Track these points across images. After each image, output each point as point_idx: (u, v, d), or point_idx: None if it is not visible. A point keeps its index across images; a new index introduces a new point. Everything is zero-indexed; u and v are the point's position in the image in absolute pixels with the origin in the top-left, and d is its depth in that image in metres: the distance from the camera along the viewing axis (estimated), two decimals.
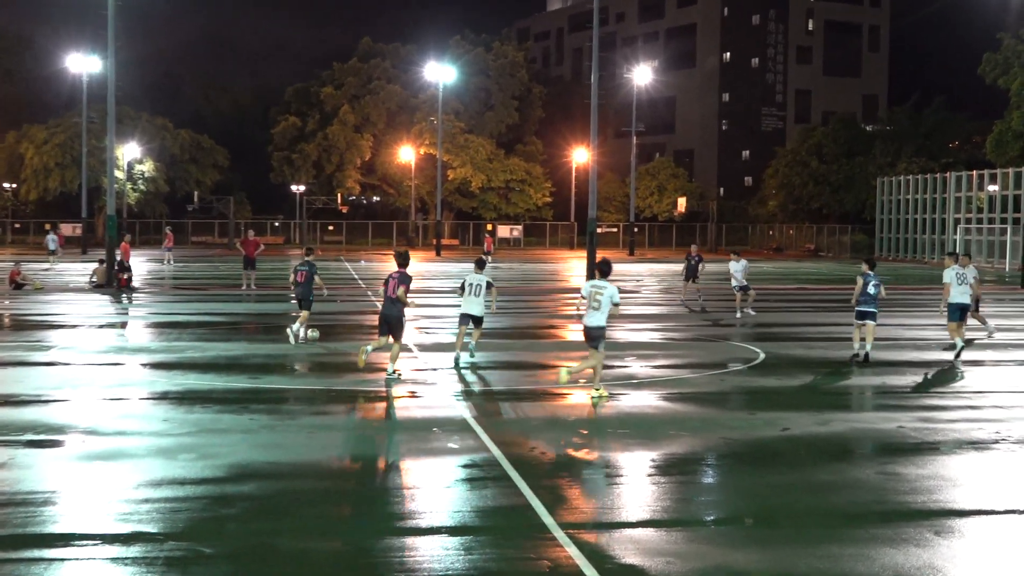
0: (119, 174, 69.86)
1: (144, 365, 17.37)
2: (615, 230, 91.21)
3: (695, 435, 12.02)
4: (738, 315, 25.98)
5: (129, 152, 78.21)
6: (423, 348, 19.24)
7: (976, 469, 10.66)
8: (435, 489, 9.66)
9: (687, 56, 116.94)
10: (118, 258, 35.12)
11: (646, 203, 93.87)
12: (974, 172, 66.68)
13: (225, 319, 25.60)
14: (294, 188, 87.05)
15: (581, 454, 11.12)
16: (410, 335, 19.96)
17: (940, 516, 8.95)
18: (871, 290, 18.06)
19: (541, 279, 45.20)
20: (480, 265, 18.28)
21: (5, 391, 14.45)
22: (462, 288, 17.91)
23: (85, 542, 8.04)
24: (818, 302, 32.57)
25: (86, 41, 60.60)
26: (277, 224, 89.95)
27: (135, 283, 35.18)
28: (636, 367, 17.39)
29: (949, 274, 18.95)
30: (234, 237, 74.54)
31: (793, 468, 10.68)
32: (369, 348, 16.08)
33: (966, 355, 18.75)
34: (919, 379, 16.64)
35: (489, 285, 17.70)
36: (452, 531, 8.40)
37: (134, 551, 7.84)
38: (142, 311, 27.83)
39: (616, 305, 14.13)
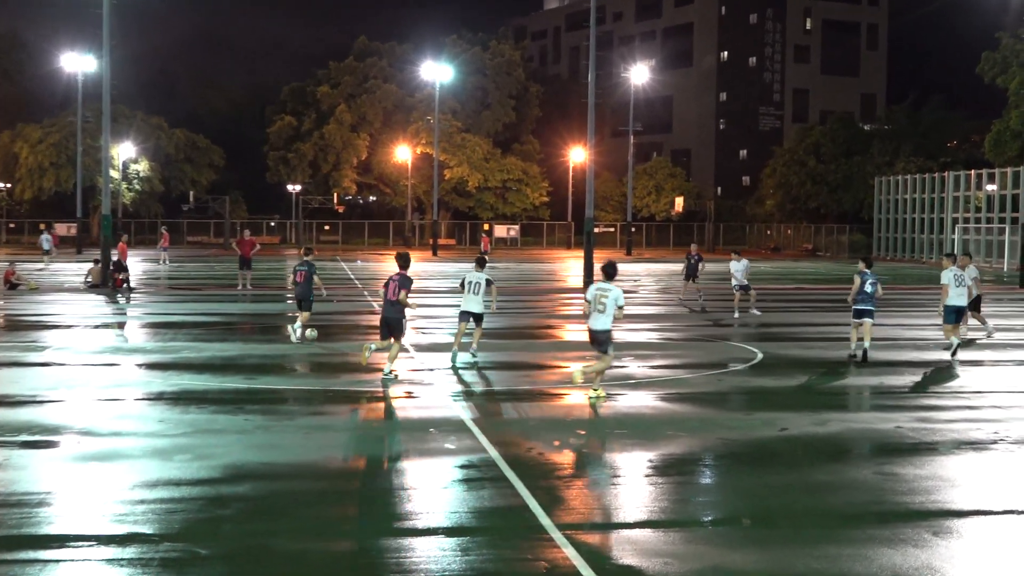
0: (114, 173, 69.76)
1: (140, 365, 17.33)
2: (612, 230, 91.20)
3: (693, 435, 12.00)
4: (736, 315, 25.94)
5: (124, 151, 78.06)
6: (420, 348, 19.21)
7: (974, 469, 10.64)
8: (432, 490, 9.63)
9: (684, 55, 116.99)
10: (115, 258, 35.02)
11: (643, 203, 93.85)
12: (972, 171, 66.67)
13: (221, 319, 25.55)
14: (290, 188, 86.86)
15: (579, 455, 11.09)
16: (407, 335, 19.90)
17: (938, 517, 8.93)
18: (868, 289, 18.05)
19: (538, 279, 45.19)
20: (481, 263, 18.26)
21: (0, 392, 14.40)
22: (462, 285, 17.88)
23: (80, 543, 8.01)
24: (816, 302, 32.57)
25: (81, 40, 60.51)
26: (273, 224, 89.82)
27: (133, 284, 35.05)
28: (633, 367, 17.36)
29: (947, 276, 18.87)
30: (230, 237, 74.45)
31: (791, 468, 10.66)
32: (372, 346, 16.03)
33: (965, 355, 18.74)
34: (917, 379, 16.62)
35: (489, 283, 17.67)
36: (449, 532, 8.38)
37: (129, 552, 7.82)
38: (137, 311, 27.78)
39: (620, 308, 14.08)
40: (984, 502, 9.42)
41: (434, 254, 67.85)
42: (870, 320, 18.10)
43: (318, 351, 18.97)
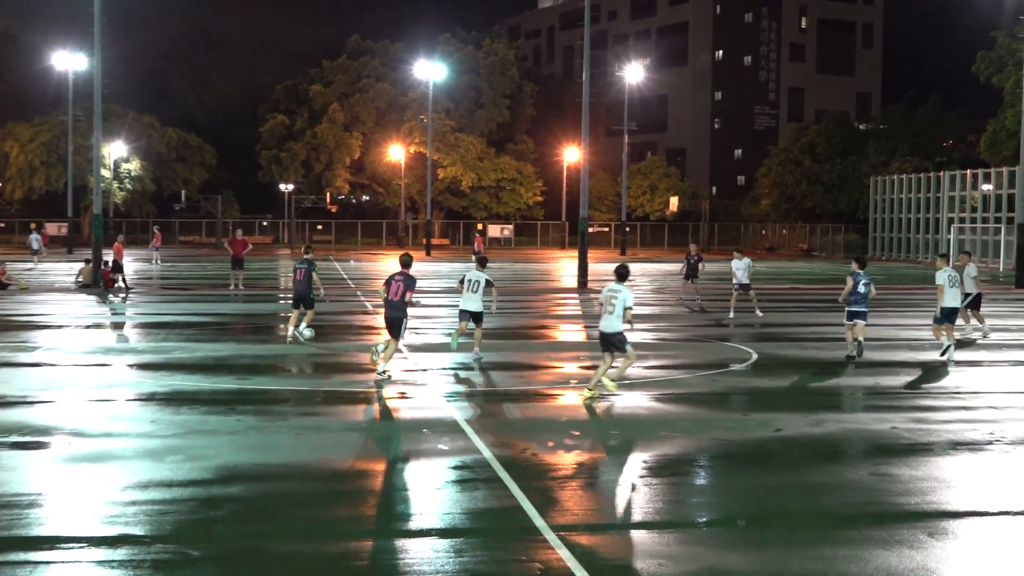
0: (105, 173, 69.60)
1: (131, 366, 17.24)
2: (607, 229, 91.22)
3: (688, 436, 11.96)
4: (731, 315, 25.90)
5: (116, 150, 77.90)
6: (413, 349, 19.14)
7: (970, 470, 10.60)
8: (425, 491, 9.58)
9: (679, 54, 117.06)
10: (112, 258, 34.83)
11: (638, 202, 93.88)
12: (968, 171, 66.77)
13: (213, 319, 25.47)
14: (283, 187, 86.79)
15: (573, 455, 11.04)
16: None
17: (934, 517, 8.89)
18: (861, 289, 18.02)
19: (532, 279, 45.15)
20: (482, 263, 18.19)
21: None
22: (461, 283, 17.80)
23: (71, 545, 7.95)
24: (811, 302, 32.57)
25: (72, 38, 60.22)
26: (265, 224, 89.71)
27: (128, 284, 34.84)
28: (628, 368, 17.27)
29: (942, 276, 18.78)
30: (222, 237, 74.29)
31: (786, 469, 10.62)
32: (380, 348, 15.95)
33: (961, 356, 18.72)
34: (912, 379, 16.59)
35: (489, 284, 17.59)
36: (442, 533, 8.32)
37: (120, 554, 7.76)
38: (129, 311, 27.67)
39: (628, 309, 14.04)
40: (980, 503, 9.38)
41: (428, 254, 67.81)
42: (862, 322, 18.09)
43: (311, 351, 18.90)
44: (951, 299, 18.72)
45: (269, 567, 7.62)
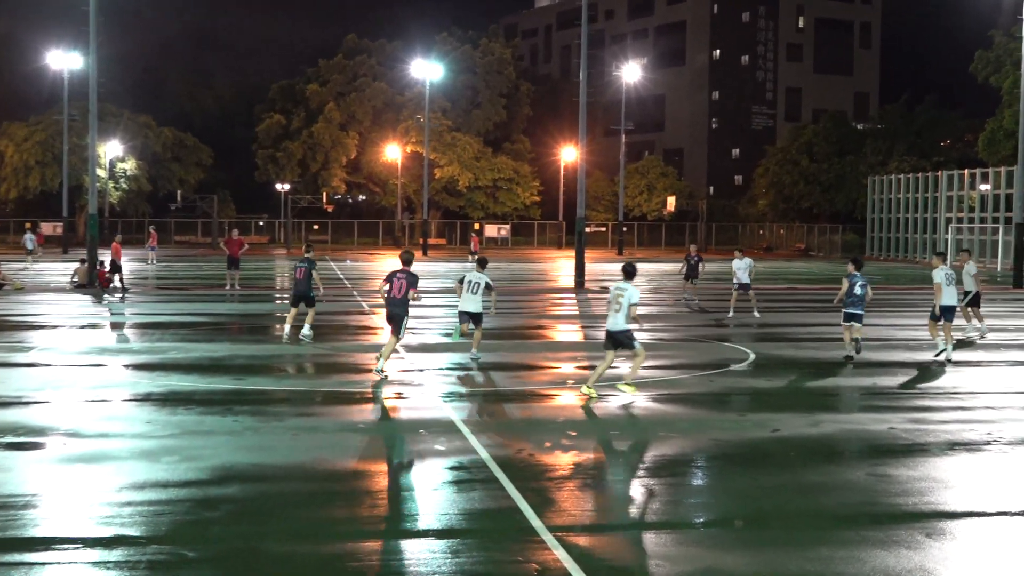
0: (101, 172, 69.48)
1: (126, 366, 17.20)
2: (604, 229, 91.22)
3: (685, 436, 11.94)
4: (730, 314, 25.88)
5: (111, 150, 77.76)
6: (410, 349, 19.11)
7: (967, 470, 10.59)
8: (422, 491, 9.55)
9: (676, 53, 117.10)
10: (109, 258, 34.73)
11: (635, 202, 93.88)
12: (966, 171, 66.82)
13: (209, 319, 25.43)
14: (279, 187, 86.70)
15: (570, 456, 11.01)
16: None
17: (931, 518, 8.88)
18: (857, 291, 18.00)
19: (529, 279, 45.13)
20: (482, 264, 18.15)
21: None
22: (460, 282, 17.76)
23: (66, 546, 7.92)
24: (809, 302, 32.56)
25: (67, 37, 60.03)
26: (262, 223, 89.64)
27: (125, 284, 34.75)
28: (625, 368, 17.25)
29: (939, 275, 18.76)
30: (218, 236, 74.24)
31: (783, 470, 10.60)
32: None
33: (958, 356, 18.69)
34: (910, 380, 16.58)
35: (489, 287, 17.53)
36: (439, 534, 8.30)
37: (116, 555, 7.73)
38: (124, 311, 27.62)
39: (633, 306, 14.01)
40: (977, 503, 9.37)
41: (424, 254, 67.76)
42: (859, 324, 18.08)
43: (308, 351, 18.87)
44: (948, 297, 18.70)
45: (265, 568, 7.59)
